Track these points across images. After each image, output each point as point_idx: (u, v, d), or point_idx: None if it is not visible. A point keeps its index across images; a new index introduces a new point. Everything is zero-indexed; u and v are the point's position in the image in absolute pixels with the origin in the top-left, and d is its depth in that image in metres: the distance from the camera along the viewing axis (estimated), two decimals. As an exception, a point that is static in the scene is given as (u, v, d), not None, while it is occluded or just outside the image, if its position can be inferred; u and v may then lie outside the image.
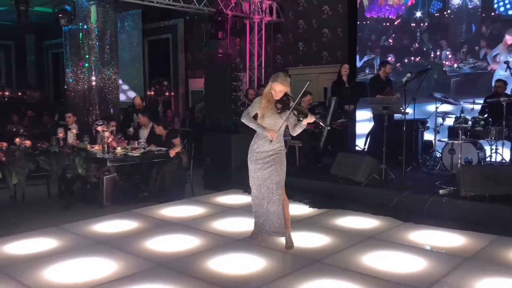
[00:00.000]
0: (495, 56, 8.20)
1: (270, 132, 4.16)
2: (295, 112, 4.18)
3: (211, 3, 10.29)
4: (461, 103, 7.40)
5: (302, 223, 5.36)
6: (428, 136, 8.05)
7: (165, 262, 4.08)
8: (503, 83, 7.05)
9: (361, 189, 6.09)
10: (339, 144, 7.94)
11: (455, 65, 8.67)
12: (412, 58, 9.28)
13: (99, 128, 6.17)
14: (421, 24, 9.12)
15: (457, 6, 8.62)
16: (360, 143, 8.64)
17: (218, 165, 7.57)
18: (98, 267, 3.98)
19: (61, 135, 6.35)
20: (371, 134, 7.95)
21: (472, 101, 7.13)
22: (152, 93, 12.02)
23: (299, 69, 11.07)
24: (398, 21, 9.48)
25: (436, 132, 7.33)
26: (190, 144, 7.11)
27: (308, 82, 4.50)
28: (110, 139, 6.17)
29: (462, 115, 6.91)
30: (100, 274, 3.80)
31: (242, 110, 8.60)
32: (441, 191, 5.59)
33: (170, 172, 6.64)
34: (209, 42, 12.17)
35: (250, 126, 4.29)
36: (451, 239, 4.72)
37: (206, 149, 7.77)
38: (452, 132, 7.34)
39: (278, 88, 4.15)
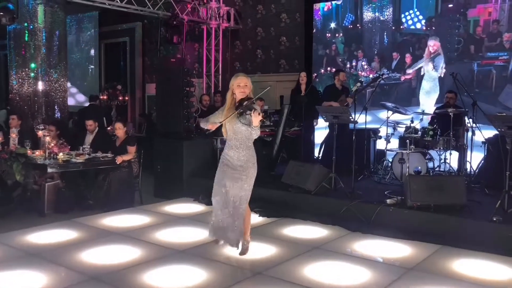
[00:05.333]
0: (420, 67, 8.57)
1: (209, 125, 4.27)
2: (243, 109, 3.99)
3: (167, 7, 10.11)
4: (411, 113, 7.52)
5: (251, 232, 5.23)
6: (380, 145, 8.14)
7: (99, 275, 3.88)
8: (454, 94, 7.20)
9: (311, 197, 6.04)
10: (294, 152, 7.91)
11: (371, 76, 8.95)
12: (328, 68, 9.54)
13: (40, 133, 5.87)
14: (336, 35, 9.48)
15: (369, 18, 9.05)
16: (317, 151, 8.64)
17: (169, 172, 7.38)
18: (24, 281, 3.72)
19: (-1, 139, 6.03)
20: (325, 142, 7.97)
21: (422, 111, 7.25)
22: (105, 97, 11.68)
23: (258, 77, 11.01)
24: (314, 31, 9.78)
25: (387, 141, 7.40)
26: (141, 151, 6.89)
27: (269, 87, 4.35)
28: (52, 145, 5.88)
29: (412, 125, 7.01)
30: (26, 289, 3.56)
31: (195, 117, 8.54)
32: (388, 201, 5.60)
33: (117, 180, 6.40)
34: (167, 47, 11.98)
35: (203, 127, 4.35)
36: (396, 249, 4.71)
37: (157, 156, 7.57)
38: (403, 142, 7.43)
39: (243, 82, 4.08)
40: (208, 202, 6.58)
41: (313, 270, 4.10)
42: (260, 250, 4.59)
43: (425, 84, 8.48)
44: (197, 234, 5.12)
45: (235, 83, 4.10)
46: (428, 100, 8.39)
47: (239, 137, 4.15)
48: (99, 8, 9.15)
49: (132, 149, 6.69)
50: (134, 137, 7.66)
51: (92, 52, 14.09)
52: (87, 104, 13.86)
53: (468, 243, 4.74)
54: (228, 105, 4.15)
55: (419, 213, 5.29)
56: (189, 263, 4.19)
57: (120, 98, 11.69)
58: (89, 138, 6.98)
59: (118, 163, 6.39)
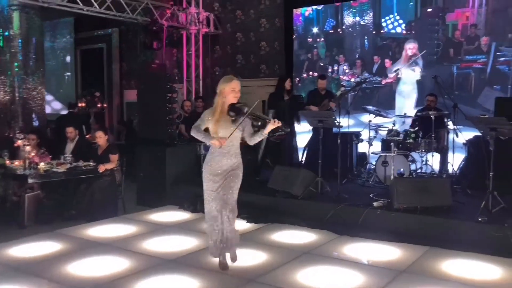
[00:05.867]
0: (396, 70, 8.68)
1: (216, 140, 3.86)
2: (251, 117, 3.82)
3: (146, 13, 10.00)
4: (393, 116, 7.61)
5: (240, 239, 5.19)
6: (361, 148, 8.20)
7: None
8: (434, 97, 7.32)
9: (297, 202, 6.04)
10: (278, 156, 7.89)
11: (352, 80, 9.06)
12: (311, 73, 9.62)
13: (19, 143, 5.70)
14: (317, 40, 9.57)
15: (350, 23, 9.16)
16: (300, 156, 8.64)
17: (152, 180, 7.26)
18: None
19: (-24, 150, 5.82)
20: (308, 146, 7.98)
21: (403, 114, 7.34)
22: (83, 104, 11.45)
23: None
24: (295, 36, 9.85)
25: (370, 144, 7.46)
26: (123, 159, 6.77)
27: (258, 100, 4.31)
28: (32, 154, 5.72)
29: (394, 128, 7.09)
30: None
31: (178, 123, 8.44)
32: (375, 204, 5.64)
33: (100, 189, 6.26)
34: (146, 53, 11.84)
35: (198, 138, 4.02)
36: (386, 252, 4.74)
37: (140, 163, 7.44)
38: (385, 145, 7.51)
39: (238, 86, 3.89)
40: (194, 210, 6.53)
41: (305, 275, 4.08)
42: (251, 257, 4.55)
43: (404, 88, 8.60)
44: (185, 243, 5.05)
45: (229, 87, 3.86)
46: (407, 103, 8.51)
47: (235, 144, 3.99)
48: (75, 14, 8.95)
49: (114, 157, 6.56)
50: (116, 145, 7.53)
51: (68, 58, 13.82)
52: (64, 112, 13.62)
53: (455, 243, 4.81)
54: (219, 110, 3.89)
55: (406, 215, 5.34)
56: (180, 273, 4.12)
57: (99, 105, 11.47)
58: (69, 146, 6.82)
59: (101, 171, 6.25)
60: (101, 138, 6.59)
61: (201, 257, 4.51)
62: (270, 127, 3.80)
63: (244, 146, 7.06)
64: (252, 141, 4.02)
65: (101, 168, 6.28)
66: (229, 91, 3.85)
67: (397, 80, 8.67)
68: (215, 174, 3.99)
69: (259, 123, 3.85)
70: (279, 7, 10.30)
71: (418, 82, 8.45)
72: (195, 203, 6.62)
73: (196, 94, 10.83)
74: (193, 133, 3.99)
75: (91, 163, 6.37)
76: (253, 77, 10.81)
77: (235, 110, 3.82)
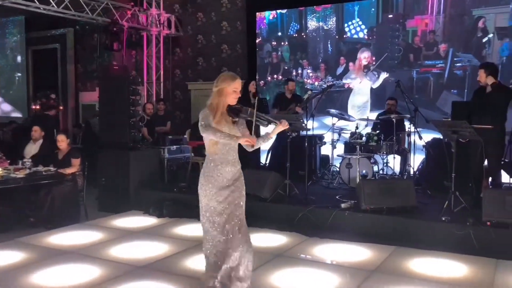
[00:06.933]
0: (352, 76, 9.00)
1: (248, 139, 3.22)
2: (255, 119, 3.28)
3: (105, 13, 9.73)
4: (356, 119, 7.78)
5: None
6: (324, 150, 8.32)
7: (58, 298, 3.61)
8: (395, 101, 7.54)
9: (267, 205, 6.04)
10: (244, 160, 7.85)
11: (316, 83, 9.25)
12: (275, 76, 9.76)
13: (-26, 147, 5.38)
14: (281, 43, 9.73)
15: (314, 28, 9.35)
16: (263, 159, 8.67)
17: (115, 184, 7.05)
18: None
19: None
20: (272, 149, 8.02)
21: (366, 117, 7.53)
22: (38, 107, 10.97)
23: (199, 84, 10.89)
24: (259, 39, 9.96)
25: (333, 147, 7.59)
26: (85, 163, 6.53)
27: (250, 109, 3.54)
28: (-12, 159, 5.42)
29: (357, 131, 7.24)
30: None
31: (141, 126, 8.25)
32: (343, 205, 5.73)
33: (61, 195, 6.01)
34: (103, 54, 11.53)
35: (219, 140, 3.24)
36: (356, 252, 4.83)
37: (101, 168, 7.21)
38: (348, 147, 7.66)
39: (240, 87, 3.33)
40: (160, 215, 6.41)
41: (280, 278, 4.09)
42: (224, 261, 4.49)
43: (358, 97, 8.87)
44: (154, 248, 4.94)
45: (232, 86, 3.27)
46: (361, 110, 8.76)
47: (235, 149, 3.40)
48: (28, 13, 8.54)
49: (76, 162, 6.33)
50: (78, 149, 7.27)
51: (19, 58, 13.23)
52: (13, 115, 13.01)
53: (421, 242, 4.97)
54: (220, 111, 3.27)
55: (373, 216, 5.46)
56: (153, 279, 4.02)
57: (59, 108, 11.00)
58: (31, 148, 6.50)
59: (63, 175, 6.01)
60: (63, 142, 6.34)
61: (172, 263, 4.43)
62: (277, 129, 3.36)
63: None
64: (254, 146, 3.38)
65: (64, 171, 6.04)
66: (231, 91, 3.27)
67: (350, 90, 8.93)
68: (222, 187, 3.33)
69: (265, 126, 3.42)
70: (240, 11, 10.30)
71: (372, 90, 8.75)
72: (160, 208, 6.50)
73: (157, 97, 10.65)
74: (208, 133, 3.22)
75: (52, 168, 6.11)
76: (214, 80, 10.74)
77: (235, 111, 3.32)
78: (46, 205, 5.94)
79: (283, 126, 3.34)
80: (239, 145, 3.33)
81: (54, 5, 8.53)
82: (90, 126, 10.03)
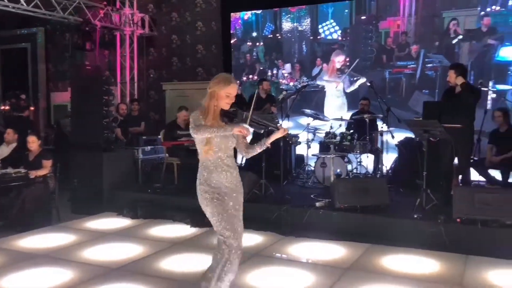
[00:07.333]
0: (324, 77, 9.11)
1: (241, 128, 2.97)
2: (252, 123, 3.08)
3: (77, 12, 9.56)
4: (330, 119, 7.87)
5: (185, 244, 5.13)
6: (299, 150, 8.38)
7: (29, 302, 3.53)
8: (368, 101, 7.65)
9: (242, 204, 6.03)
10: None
11: (291, 83, 9.35)
12: (250, 76, 9.82)
13: None
14: (257, 44, 9.78)
15: (288, 28, 9.44)
16: (239, 159, 8.67)
17: (87, 186, 6.94)
18: None
19: None
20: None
21: (340, 117, 7.62)
22: (7, 107, 10.70)
23: (174, 84, 10.82)
24: (234, 40, 9.98)
25: (308, 146, 7.65)
26: (57, 164, 6.41)
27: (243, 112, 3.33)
28: (-45, 161, 5.26)
29: (331, 130, 7.32)
30: None
31: (114, 126, 8.14)
32: (317, 204, 5.79)
33: (32, 197, 5.88)
34: (75, 53, 11.31)
35: (210, 135, 3.03)
36: (330, 250, 4.88)
37: (74, 169, 7.08)
38: (323, 147, 7.73)
39: (234, 92, 3.12)
40: (134, 216, 6.34)
41: (256, 277, 4.11)
42: (199, 261, 4.48)
43: (334, 98, 8.97)
44: (128, 250, 4.88)
45: (225, 90, 3.07)
46: (339, 110, 8.84)
47: (231, 154, 3.23)
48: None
49: (47, 163, 6.20)
50: (49, 150, 7.12)
51: (-12, 58, 12.88)
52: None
53: (393, 240, 5.05)
54: (211, 115, 3.08)
55: (347, 214, 5.52)
56: (127, 281, 3.98)
57: (29, 108, 10.74)
58: (2, 151, 6.34)
59: (33, 177, 5.88)
60: (34, 143, 6.20)
61: (147, 264, 4.39)
62: (276, 135, 3.13)
63: (184, 150, 7.02)
64: (249, 153, 3.27)
65: (33, 174, 5.91)
66: (223, 96, 3.08)
67: (325, 91, 9.03)
68: (222, 193, 3.23)
69: (262, 131, 3.23)
70: (215, 11, 10.27)
71: (346, 93, 8.86)
72: (134, 209, 6.44)
73: (131, 97, 10.53)
74: (201, 133, 3.02)
75: (22, 170, 5.97)
76: (190, 80, 10.70)
77: (229, 116, 3.15)
78: (16, 208, 5.81)
79: (282, 133, 3.12)
80: (235, 150, 3.24)
81: (24, 3, 8.33)
82: (61, 127, 9.85)
